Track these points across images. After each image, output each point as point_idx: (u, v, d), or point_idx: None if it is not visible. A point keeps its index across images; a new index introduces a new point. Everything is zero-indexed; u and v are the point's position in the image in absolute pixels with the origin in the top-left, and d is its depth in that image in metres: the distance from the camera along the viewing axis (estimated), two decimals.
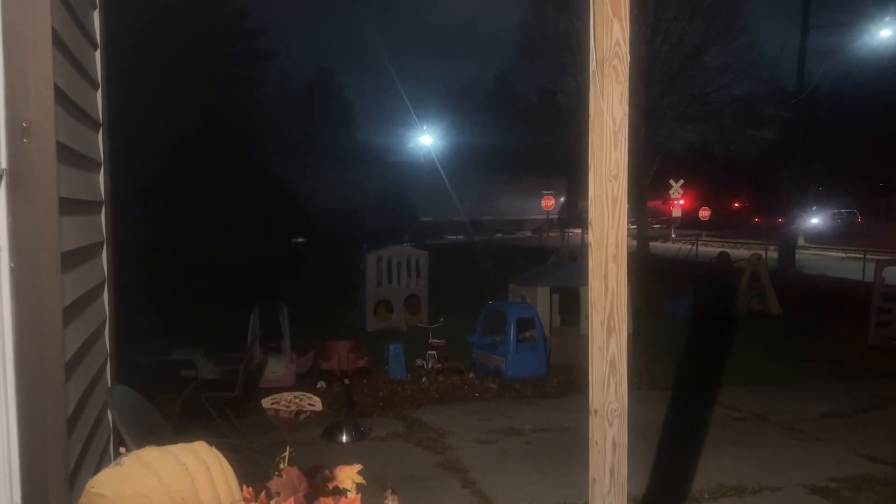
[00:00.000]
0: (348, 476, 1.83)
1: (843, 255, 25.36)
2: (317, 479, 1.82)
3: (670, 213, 30.57)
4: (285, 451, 1.88)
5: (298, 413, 1.83)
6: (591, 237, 2.56)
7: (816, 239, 29.88)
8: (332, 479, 1.85)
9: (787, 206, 23.07)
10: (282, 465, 1.81)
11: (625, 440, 2.55)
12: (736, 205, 45.19)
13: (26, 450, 1.91)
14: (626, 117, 2.53)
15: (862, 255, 18.92)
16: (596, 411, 2.55)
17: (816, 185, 35.48)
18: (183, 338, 7.98)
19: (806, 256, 24.83)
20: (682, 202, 29.46)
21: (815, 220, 35.65)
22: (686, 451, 5.52)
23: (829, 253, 27.60)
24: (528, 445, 5.83)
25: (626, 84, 2.53)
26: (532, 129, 40.03)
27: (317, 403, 1.86)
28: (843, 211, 40.06)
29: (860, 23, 22.14)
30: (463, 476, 5.11)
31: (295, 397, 1.85)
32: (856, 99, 35.12)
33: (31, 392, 1.96)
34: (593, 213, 2.55)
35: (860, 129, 35.09)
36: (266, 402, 1.87)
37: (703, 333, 10.45)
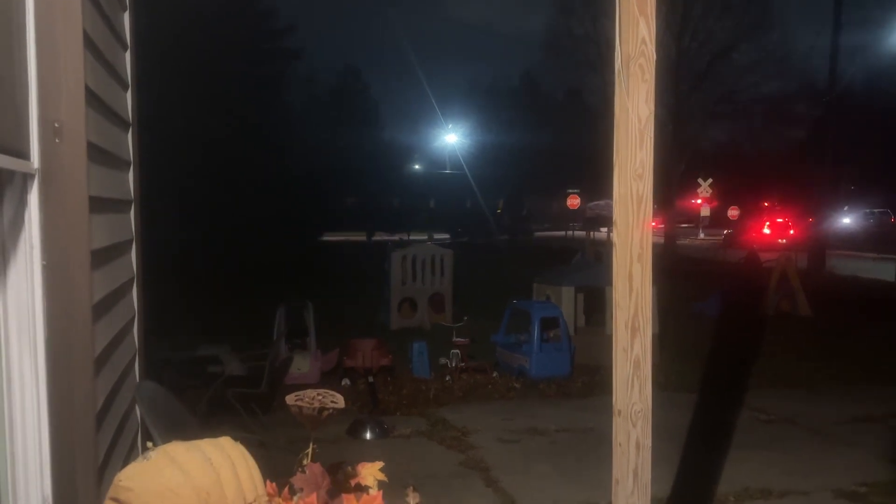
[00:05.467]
0: (370, 473, 1.84)
1: (876, 255, 24.91)
2: (339, 476, 1.83)
3: (698, 211, 30.26)
4: (309, 447, 1.90)
5: (321, 410, 1.84)
6: (616, 237, 2.55)
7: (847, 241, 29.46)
8: (354, 475, 1.86)
9: (819, 205, 22.70)
10: (305, 462, 1.83)
11: (649, 441, 2.53)
12: (766, 204, 44.55)
13: (56, 443, 1.95)
14: (652, 116, 2.51)
15: (895, 256, 18.55)
16: (620, 412, 2.53)
17: (848, 184, 34.85)
18: (210, 334, 8.09)
19: (837, 257, 24.43)
20: (711, 201, 29.16)
21: (846, 220, 34.94)
22: (712, 454, 5.47)
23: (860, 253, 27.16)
24: (552, 445, 5.82)
25: (653, 83, 2.51)
26: (558, 127, 39.98)
27: (339, 401, 1.88)
28: (875, 210, 39.25)
29: (893, 19, 21.66)
30: (486, 475, 5.11)
31: (318, 394, 1.86)
32: (889, 96, 34.40)
33: (62, 387, 2.00)
34: (618, 213, 2.53)
35: (893, 126, 34.34)
36: (290, 399, 1.89)
37: (730, 334, 10.32)
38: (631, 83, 2.49)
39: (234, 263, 17.95)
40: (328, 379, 7.53)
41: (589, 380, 7.72)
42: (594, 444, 5.62)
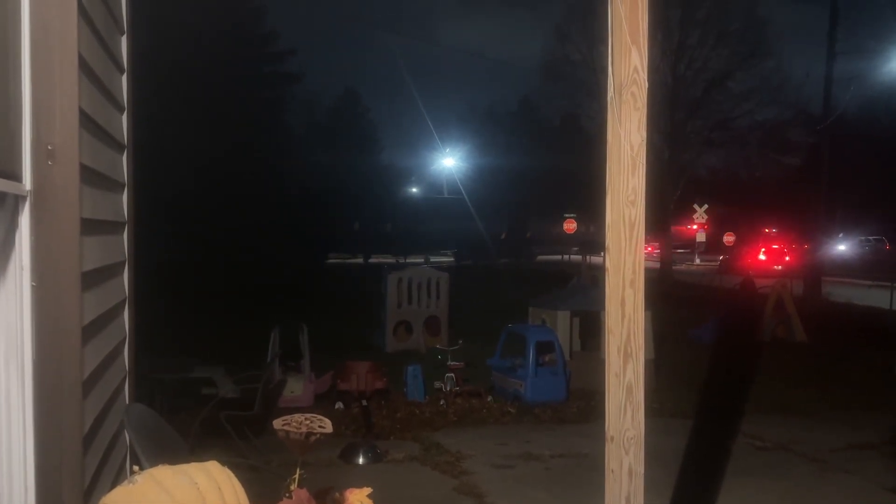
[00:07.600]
0: (358, 499, 1.83)
1: (871, 282, 24.95)
2: (327, 502, 1.82)
3: (694, 237, 30.42)
4: (298, 471, 1.88)
5: (309, 435, 1.83)
6: (608, 262, 2.55)
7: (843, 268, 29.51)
8: (342, 501, 1.84)
9: (814, 232, 22.76)
10: (292, 487, 1.81)
11: (641, 468, 2.52)
12: (762, 230, 44.71)
13: (42, 466, 1.94)
14: (644, 143, 2.52)
15: (890, 283, 18.55)
16: (612, 438, 2.52)
17: (843, 211, 34.97)
18: (204, 356, 8.04)
19: (832, 283, 24.49)
20: (705, 227, 29.34)
21: (842, 247, 35.05)
22: (707, 481, 5.43)
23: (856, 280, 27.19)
24: (547, 471, 5.77)
25: (645, 111, 2.53)
26: (555, 151, 40.15)
27: (327, 425, 1.87)
28: (870, 238, 39.42)
29: (888, 48, 21.91)
30: (479, 501, 5.06)
31: (306, 419, 1.85)
32: (883, 124, 34.68)
33: (49, 408, 1.98)
34: (610, 238, 2.54)
35: (888, 154, 34.60)
36: (277, 423, 1.88)
37: (726, 360, 10.30)
38: (623, 111, 2.51)
39: (229, 285, 17.91)
40: (322, 402, 7.48)
41: (585, 405, 7.67)
42: (589, 470, 5.55)
